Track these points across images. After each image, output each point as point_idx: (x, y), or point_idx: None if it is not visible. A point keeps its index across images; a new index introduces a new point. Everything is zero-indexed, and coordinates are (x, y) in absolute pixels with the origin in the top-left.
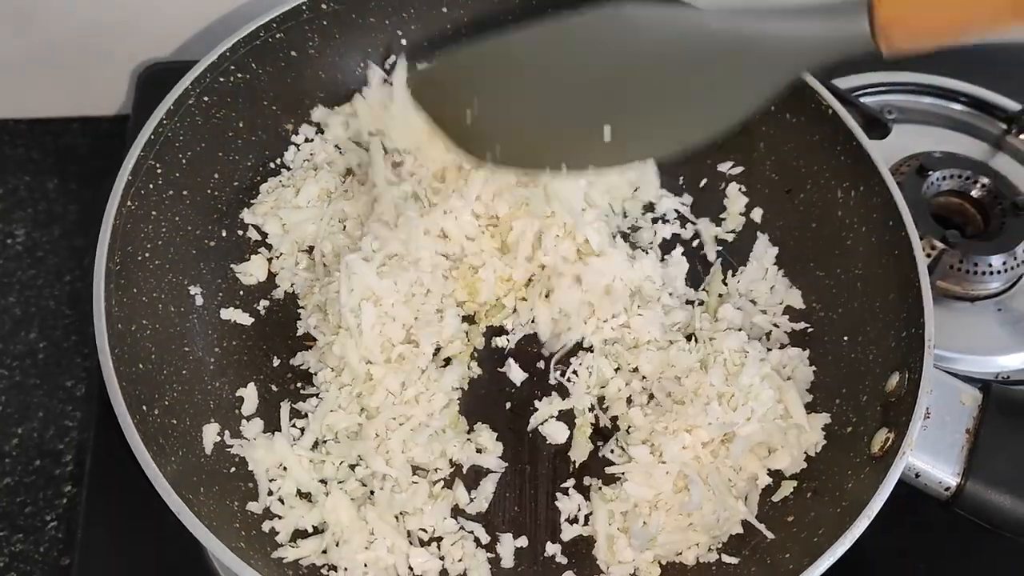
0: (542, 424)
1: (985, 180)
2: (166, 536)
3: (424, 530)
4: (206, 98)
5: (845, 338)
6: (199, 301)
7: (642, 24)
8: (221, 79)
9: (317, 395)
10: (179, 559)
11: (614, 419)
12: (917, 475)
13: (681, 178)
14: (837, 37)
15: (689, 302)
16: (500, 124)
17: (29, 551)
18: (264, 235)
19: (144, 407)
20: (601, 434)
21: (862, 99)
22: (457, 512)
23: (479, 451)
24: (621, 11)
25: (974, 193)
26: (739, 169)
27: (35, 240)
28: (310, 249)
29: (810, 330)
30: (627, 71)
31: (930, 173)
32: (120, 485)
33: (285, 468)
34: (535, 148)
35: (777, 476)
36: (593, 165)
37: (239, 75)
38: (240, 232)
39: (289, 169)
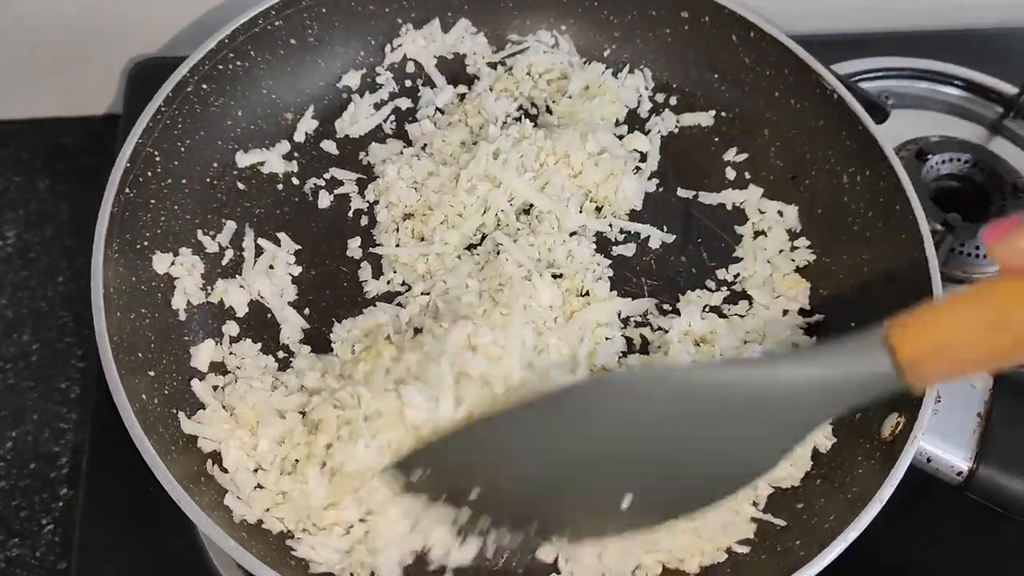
0: None
1: (984, 163)
2: (165, 538)
3: None
4: (204, 86)
5: (852, 324)
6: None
7: (641, 391)
8: (220, 67)
9: None
10: (178, 561)
11: None
12: (928, 460)
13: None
14: (863, 380)
15: None
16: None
17: (25, 556)
18: None
19: (144, 396)
20: None
21: (859, 84)
22: None
23: None
24: (613, 381)
25: (973, 177)
26: (743, 156)
27: (26, 241)
28: None
29: (817, 317)
30: (631, 441)
31: (929, 157)
32: (117, 487)
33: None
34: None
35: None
36: (612, 533)
37: (238, 63)
38: None
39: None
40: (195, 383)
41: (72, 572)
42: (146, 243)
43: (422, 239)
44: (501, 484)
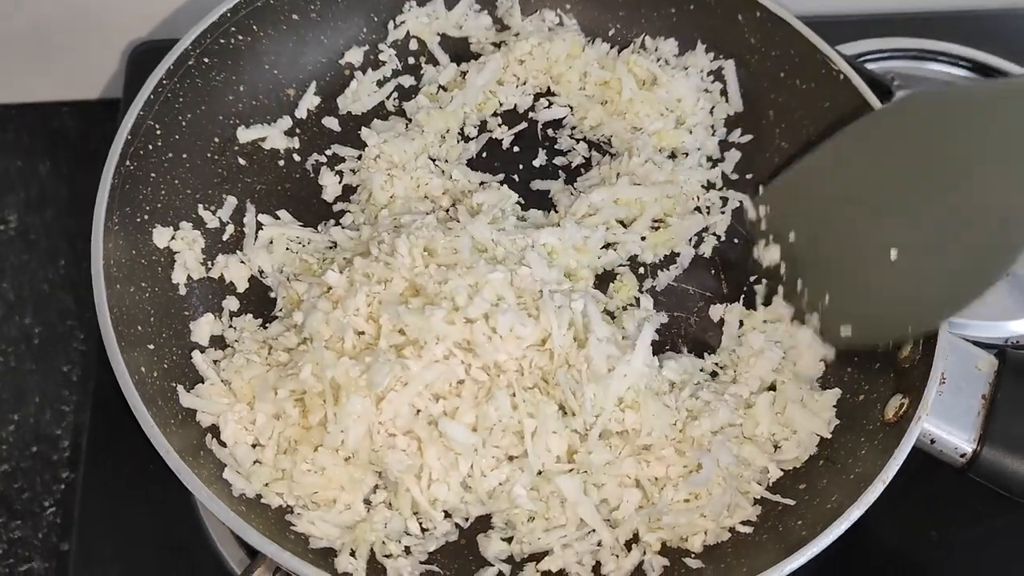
0: None
1: None
2: (165, 518)
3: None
4: (206, 59)
5: None
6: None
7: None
8: (222, 40)
9: None
10: (178, 540)
11: None
12: (932, 441)
13: None
14: None
15: None
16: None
17: (28, 537)
18: None
19: (143, 368)
20: None
21: (866, 65)
22: None
23: None
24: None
25: None
26: (748, 137)
27: (27, 224)
28: None
29: None
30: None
31: None
32: (118, 468)
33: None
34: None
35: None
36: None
37: (240, 37)
38: None
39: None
40: (196, 355)
41: (73, 552)
42: (147, 217)
43: None
44: (807, 232)
